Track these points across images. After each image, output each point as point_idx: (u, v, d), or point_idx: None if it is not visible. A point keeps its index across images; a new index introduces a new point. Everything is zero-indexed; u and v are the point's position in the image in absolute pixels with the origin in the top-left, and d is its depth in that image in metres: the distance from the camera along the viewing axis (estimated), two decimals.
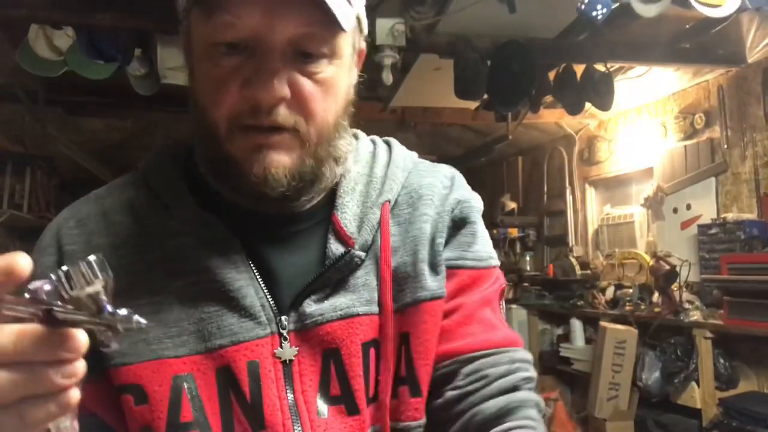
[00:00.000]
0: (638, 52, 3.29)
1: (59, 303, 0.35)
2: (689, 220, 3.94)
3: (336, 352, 0.65)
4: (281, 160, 0.61)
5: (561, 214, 5.28)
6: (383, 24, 2.65)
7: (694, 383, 3.24)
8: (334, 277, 0.67)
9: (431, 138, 5.26)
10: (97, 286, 0.36)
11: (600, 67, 3.31)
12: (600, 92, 3.32)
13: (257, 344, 0.63)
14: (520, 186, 5.94)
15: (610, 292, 4.19)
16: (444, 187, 0.75)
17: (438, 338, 0.69)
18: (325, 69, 0.61)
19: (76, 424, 0.39)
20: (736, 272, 3.14)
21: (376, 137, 0.80)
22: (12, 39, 2.87)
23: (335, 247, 0.67)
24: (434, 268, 0.70)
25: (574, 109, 3.42)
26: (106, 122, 4.56)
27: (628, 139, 4.55)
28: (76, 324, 0.35)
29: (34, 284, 0.35)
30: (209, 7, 0.58)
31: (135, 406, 0.61)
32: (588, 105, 3.41)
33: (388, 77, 2.81)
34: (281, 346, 0.64)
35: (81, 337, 0.35)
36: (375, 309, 0.67)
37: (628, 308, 3.84)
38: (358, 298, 0.67)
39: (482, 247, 0.74)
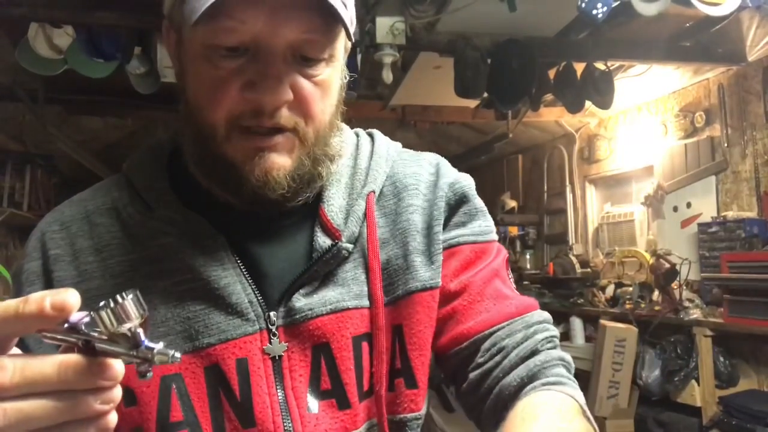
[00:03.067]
0: (638, 51, 3.28)
1: (96, 335, 0.37)
2: (689, 218, 3.94)
3: (326, 346, 0.65)
4: (281, 163, 0.61)
5: (561, 212, 5.28)
6: (383, 22, 2.65)
7: (694, 381, 3.24)
8: (321, 270, 0.66)
9: (431, 136, 5.26)
10: (135, 322, 0.37)
11: (600, 65, 3.31)
12: (600, 90, 3.32)
13: (245, 341, 0.63)
14: (520, 184, 5.94)
15: (610, 290, 4.19)
16: (430, 174, 0.75)
17: (451, 322, 0.69)
18: (322, 71, 0.62)
19: None
20: (737, 270, 3.13)
21: (359, 129, 0.80)
22: (12, 37, 2.87)
23: (322, 240, 0.67)
24: (429, 257, 0.69)
25: (574, 107, 3.42)
26: (105, 121, 4.55)
27: (628, 138, 4.55)
28: (114, 355, 0.38)
29: (75, 316, 0.37)
30: (212, 11, 0.57)
31: (125, 408, 0.61)
32: (588, 103, 3.41)
33: (388, 76, 2.81)
34: (270, 343, 0.64)
35: (118, 367, 0.38)
36: (365, 302, 0.67)
37: (628, 306, 3.84)
38: (348, 292, 0.67)
39: (482, 222, 0.75)
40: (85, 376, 0.36)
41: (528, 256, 5.52)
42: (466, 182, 0.76)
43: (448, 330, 0.70)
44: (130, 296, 0.37)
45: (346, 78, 0.69)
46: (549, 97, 3.70)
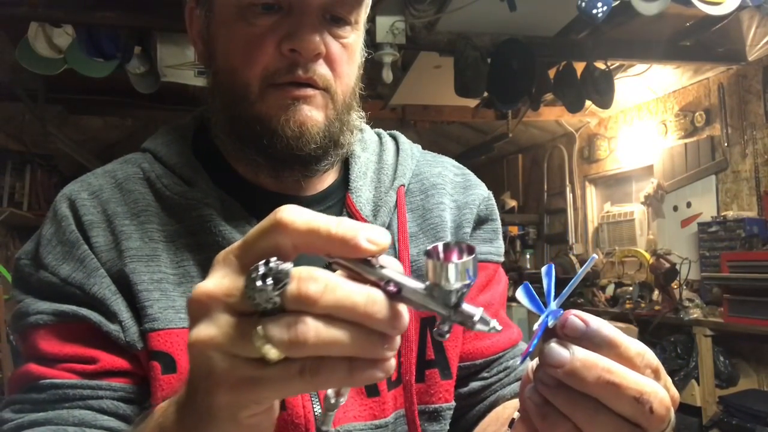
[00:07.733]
0: (638, 50, 3.28)
1: (408, 282, 0.35)
2: (689, 218, 3.94)
3: None
4: (315, 117, 0.63)
5: (561, 212, 5.28)
6: (383, 22, 2.65)
7: (694, 381, 3.25)
8: None
9: (431, 136, 5.26)
10: (469, 282, 0.35)
11: (600, 64, 3.31)
12: (600, 90, 3.32)
13: None
14: (520, 184, 5.94)
15: (610, 290, 4.19)
16: (455, 175, 0.79)
17: (469, 334, 0.73)
18: (349, 35, 0.65)
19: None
20: (736, 270, 3.13)
21: (380, 130, 0.82)
22: (12, 37, 2.87)
23: None
24: None
25: (575, 107, 3.42)
26: (105, 120, 4.56)
27: (628, 137, 4.55)
28: (418, 308, 0.35)
29: (386, 259, 0.35)
30: None
31: (162, 375, 0.60)
32: (588, 103, 3.41)
33: (388, 75, 2.81)
34: None
35: (407, 319, 0.35)
36: None
37: (628, 306, 3.84)
38: None
39: (501, 242, 0.81)
40: (386, 317, 0.34)
41: (528, 256, 5.52)
42: (493, 199, 0.81)
43: (464, 341, 0.74)
44: (474, 255, 0.34)
45: (364, 56, 0.71)
46: (549, 96, 3.71)
